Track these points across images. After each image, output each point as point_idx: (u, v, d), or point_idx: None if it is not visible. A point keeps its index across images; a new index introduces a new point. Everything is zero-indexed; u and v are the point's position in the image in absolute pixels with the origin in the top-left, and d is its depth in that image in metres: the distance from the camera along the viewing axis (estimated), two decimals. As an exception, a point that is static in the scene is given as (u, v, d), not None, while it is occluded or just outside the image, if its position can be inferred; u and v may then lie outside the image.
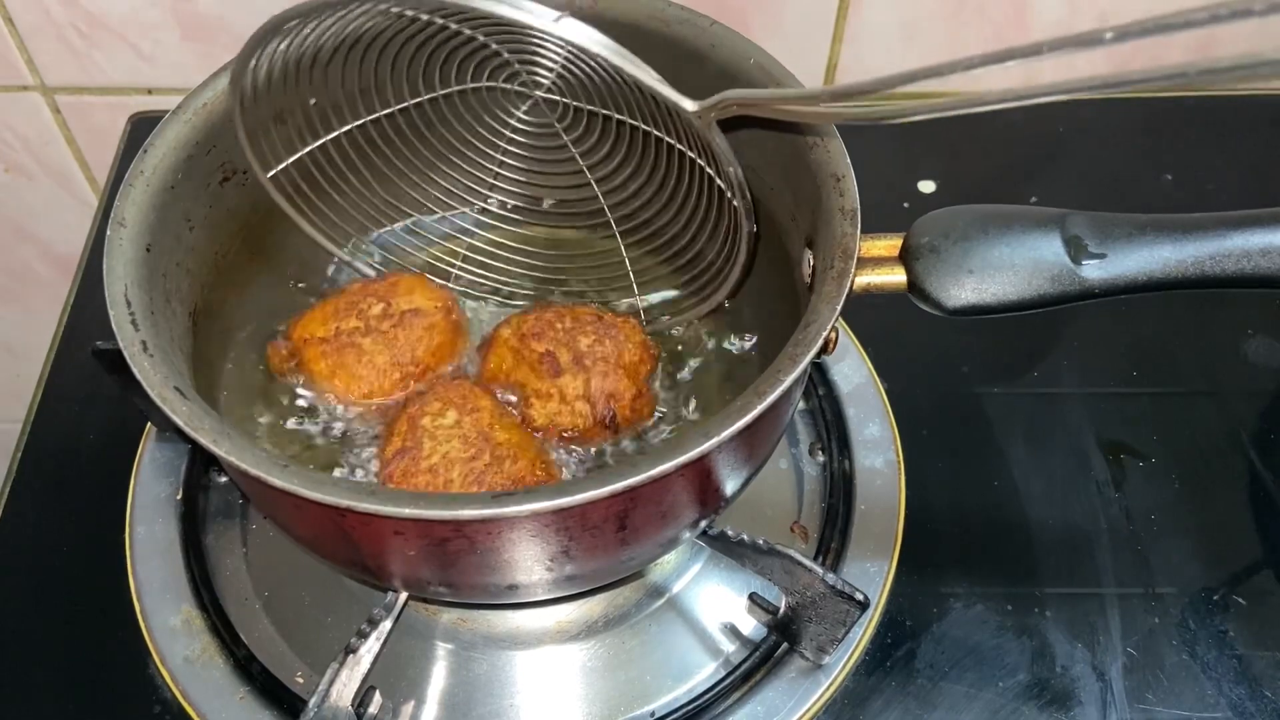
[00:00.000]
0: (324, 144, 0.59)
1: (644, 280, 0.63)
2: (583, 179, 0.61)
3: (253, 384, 0.60)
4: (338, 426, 0.58)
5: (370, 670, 0.52)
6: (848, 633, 0.55)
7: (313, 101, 0.58)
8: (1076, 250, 0.45)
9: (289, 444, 0.58)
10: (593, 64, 0.52)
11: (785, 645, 0.58)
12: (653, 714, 0.56)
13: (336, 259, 0.63)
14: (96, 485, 0.65)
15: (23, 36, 0.83)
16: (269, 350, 0.59)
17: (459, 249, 0.65)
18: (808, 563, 0.52)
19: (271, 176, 0.57)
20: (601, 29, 0.58)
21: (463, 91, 0.59)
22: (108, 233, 0.48)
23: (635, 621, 0.59)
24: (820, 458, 0.66)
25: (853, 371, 0.69)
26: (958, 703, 0.57)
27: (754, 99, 0.46)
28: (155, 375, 0.44)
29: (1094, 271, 0.45)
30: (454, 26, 0.53)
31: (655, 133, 0.55)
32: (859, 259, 0.46)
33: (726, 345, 0.62)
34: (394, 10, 0.53)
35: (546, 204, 0.65)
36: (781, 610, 0.56)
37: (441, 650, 0.59)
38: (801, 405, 0.68)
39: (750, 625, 0.59)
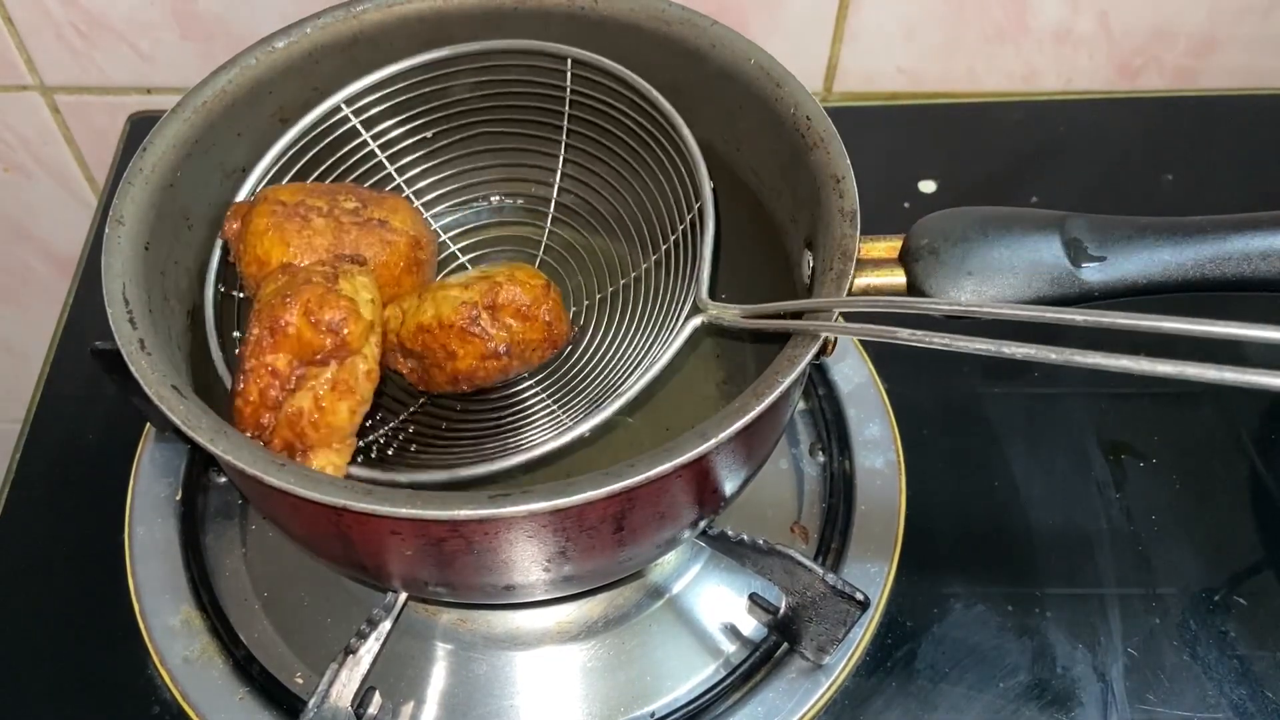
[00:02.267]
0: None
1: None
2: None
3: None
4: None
5: (370, 670, 0.52)
6: (848, 633, 0.55)
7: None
8: (1076, 253, 0.45)
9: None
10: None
11: (785, 645, 0.58)
12: (653, 714, 0.56)
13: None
14: (96, 485, 0.65)
15: (22, 36, 0.83)
16: (231, 209, 0.55)
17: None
18: (808, 563, 0.52)
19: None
20: (601, 28, 0.58)
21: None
22: (106, 230, 0.48)
23: (635, 622, 0.59)
24: (820, 458, 0.66)
25: (853, 371, 0.69)
26: (958, 703, 0.57)
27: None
28: (153, 374, 0.43)
29: (1094, 274, 0.44)
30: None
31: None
32: (858, 260, 0.46)
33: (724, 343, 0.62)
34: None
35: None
36: (782, 610, 0.56)
37: (441, 650, 0.58)
38: (802, 405, 0.68)
39: (750, 625, 0.59)
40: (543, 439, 0.51)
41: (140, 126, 0.86)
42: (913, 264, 0.47)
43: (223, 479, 0.65)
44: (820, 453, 0.66)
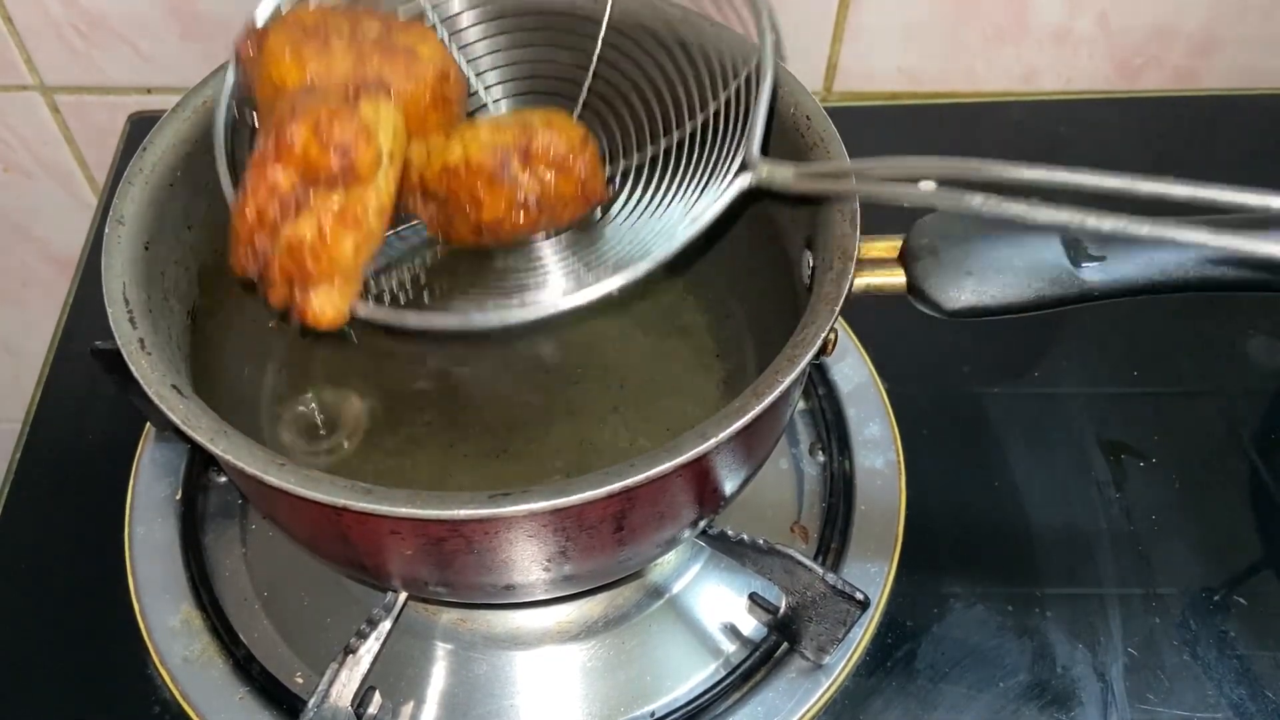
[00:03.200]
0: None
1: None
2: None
3: (251, 382, 0.60)
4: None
5: (370, 670, 0.52)
6: (848, 633, 0.55)
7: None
8: (1076, 252, 0.45)
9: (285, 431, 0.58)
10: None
11: (785, 645, 0.58)
12: (653, 714, 0.56)
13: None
14: (96, 485, 0.65)
15: (22, 36, 0.83)
16: (246, 28, 0.51)
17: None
18: (808, 562, 0.52)
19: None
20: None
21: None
22: (106, 230, 0.48)
23: (635, 621, 0.59)
24: (820, 458, 0.66)
25: (853, 371, 0.69)
26: (958, 703, 0.57)
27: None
28: (153, 373, 0.43)
29: (1093, 274, 0.45)
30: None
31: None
32: (858, 260, 0.46)
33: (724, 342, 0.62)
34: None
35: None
36: (781, 610, 0.56)
37: (441, 650, 0.58)
38: (801, 405, 0.68)
39: (750, 625, 0.59)
40: (565, 294, 0.47)
41: (140, 126, 0.86)
42: (913, 264, 0.47)
43: (223, 479, 0.65)
44: (820, 452, 0.66)
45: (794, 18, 0.82)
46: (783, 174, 0.45)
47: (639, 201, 0.53)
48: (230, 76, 0.53)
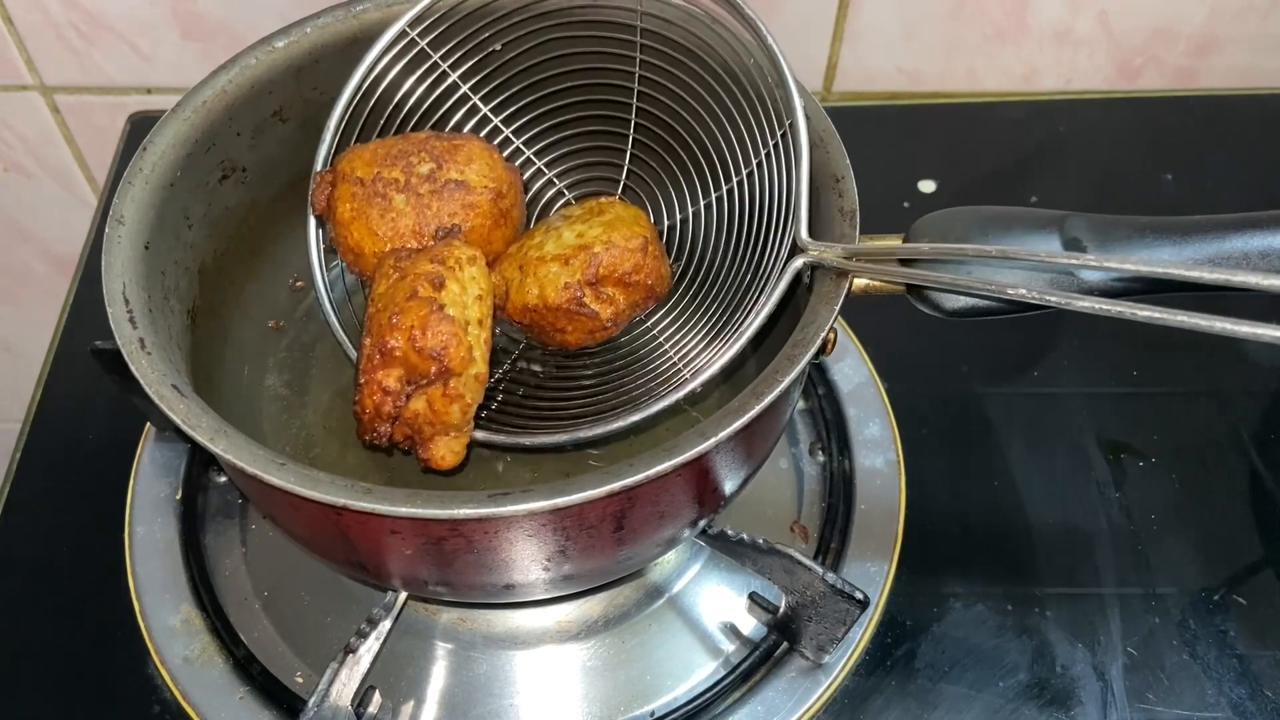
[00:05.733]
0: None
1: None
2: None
3: (251, 382, 0.60)
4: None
5: (370, 670, 0.53)
6: (848, 632, 0.55)
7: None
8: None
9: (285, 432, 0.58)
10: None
11: (785, 645, 0.58)
12: (652, 714, 0.56)
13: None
14: (96, 485, 0.65)
15: (22, 36, 0.83)
16: (315, 179, 0.56)
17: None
18: (808, 562, 0.53)
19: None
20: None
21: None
22: (106, 230, 0.48)
23: (635, 621, 0.59)
24: (820, 457, 0.66)
25: (853, 371, 0.69)
26: (958, 703, 0.57)
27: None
28: (153, 373, 0.44)
29: (1093, 274, 0.44)
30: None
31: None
32: (858, 260, 0.46)
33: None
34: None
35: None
36: (781, 610, 0.56)
37: (441, 650, 0.59)
38: (801, 405, 0.68)
39: (750, 625, 0.59)
40: (654, 393, 0.52)
41: (140, 126, 0.86)
42: (912, 264, 0.47)
43: (223, 478, 0.65)
44: (820, 452, 0.66)
45: (794, 18, 0.82)
46: (834, 255, 0.47)
47: (704, 269, 0.57)
48: (311, 224, 0.58)
